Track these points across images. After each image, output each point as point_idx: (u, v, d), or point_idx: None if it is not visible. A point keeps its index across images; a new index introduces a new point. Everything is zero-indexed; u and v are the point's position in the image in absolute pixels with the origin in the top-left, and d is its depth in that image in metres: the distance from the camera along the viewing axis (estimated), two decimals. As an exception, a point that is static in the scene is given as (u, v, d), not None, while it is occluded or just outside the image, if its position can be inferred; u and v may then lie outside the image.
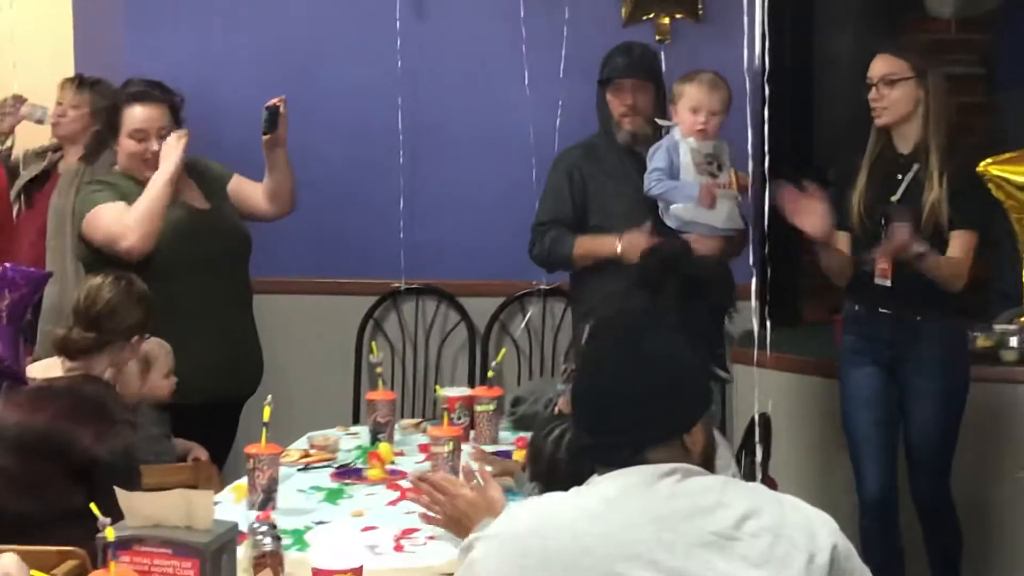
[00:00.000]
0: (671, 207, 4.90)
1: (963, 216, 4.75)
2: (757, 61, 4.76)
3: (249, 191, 5.12)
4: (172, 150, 4.81)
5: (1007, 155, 4.88)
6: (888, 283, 4.73)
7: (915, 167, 4.77)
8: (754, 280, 3.87)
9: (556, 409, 4.52)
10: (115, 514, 2.98)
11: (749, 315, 5.38)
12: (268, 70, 6.02)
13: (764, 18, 4.08)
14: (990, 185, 4.83)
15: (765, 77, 4.08)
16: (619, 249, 4.90)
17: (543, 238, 5.13)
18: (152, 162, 4.84)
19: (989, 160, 4.87)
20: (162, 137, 4.85)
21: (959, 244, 4.75)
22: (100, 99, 5.52)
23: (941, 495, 4.90)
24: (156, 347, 4.34)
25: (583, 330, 4.97)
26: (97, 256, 4.74)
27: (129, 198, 4.78)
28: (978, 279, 6.12)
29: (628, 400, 2.46)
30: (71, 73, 6.29)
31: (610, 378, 2.49)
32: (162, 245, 4.76)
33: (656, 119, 5.06)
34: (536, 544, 2.40)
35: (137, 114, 4.87)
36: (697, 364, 2.57)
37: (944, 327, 4.82)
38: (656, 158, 4.94)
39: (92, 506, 2.98)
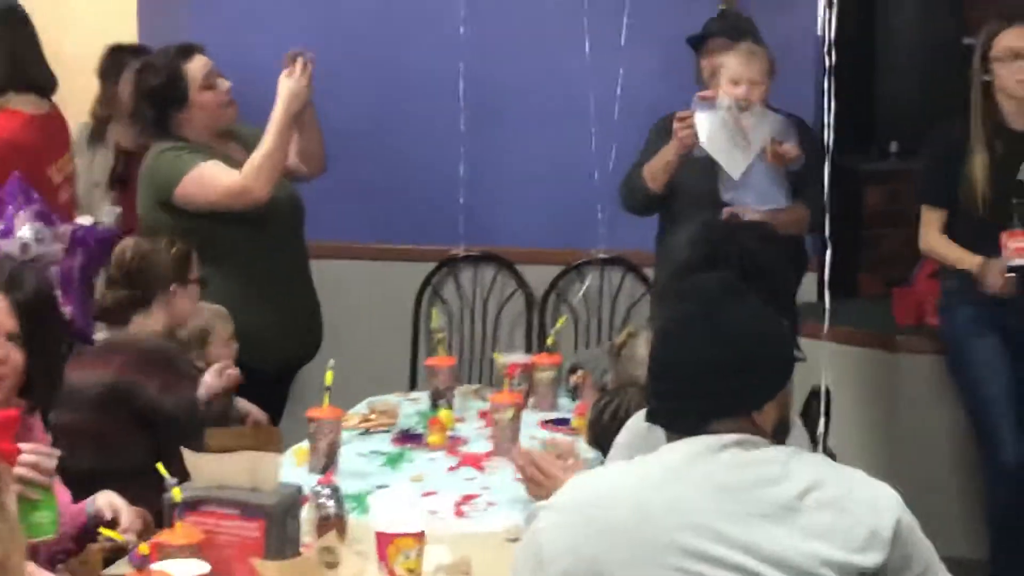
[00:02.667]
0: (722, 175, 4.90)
1: None
2: (821, 31, 4.75)
3: None
4: (292, 86, 4.74)
5: None
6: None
7: None
8: (828, 253, 3.85)
9: (573, 383, 4.57)
10: (180, 469, 3.03)
11: (803, 287, 5.40)
12: (331, 36, 6.03)
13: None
14: None
15: (828, 47, 4.05)
16: (673, 148, 4.91)
17: (625, 182, 5.17)
18: (230, 104, 4.83)
19: None
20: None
21: None
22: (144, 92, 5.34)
23: None
24: (212, 315, 4.36)
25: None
26: (176, 221, 4.68)
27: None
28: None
29: (699, 369, 2.47)
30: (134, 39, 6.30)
31: (685, 346, 2.50)
32: (217, 211, 4.73)
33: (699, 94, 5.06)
34: (598, 513, 2.42)
35: (197, 64, 4.80)
36: (776, 343, 2.55)
37: None
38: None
39: (159, 467, 3.03)
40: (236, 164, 4.77)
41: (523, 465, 3.40)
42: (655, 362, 2.57)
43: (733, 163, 4.90)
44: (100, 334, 4.18)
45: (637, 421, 2.96)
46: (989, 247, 4.79)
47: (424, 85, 6.11)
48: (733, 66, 4.91)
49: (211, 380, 4.03)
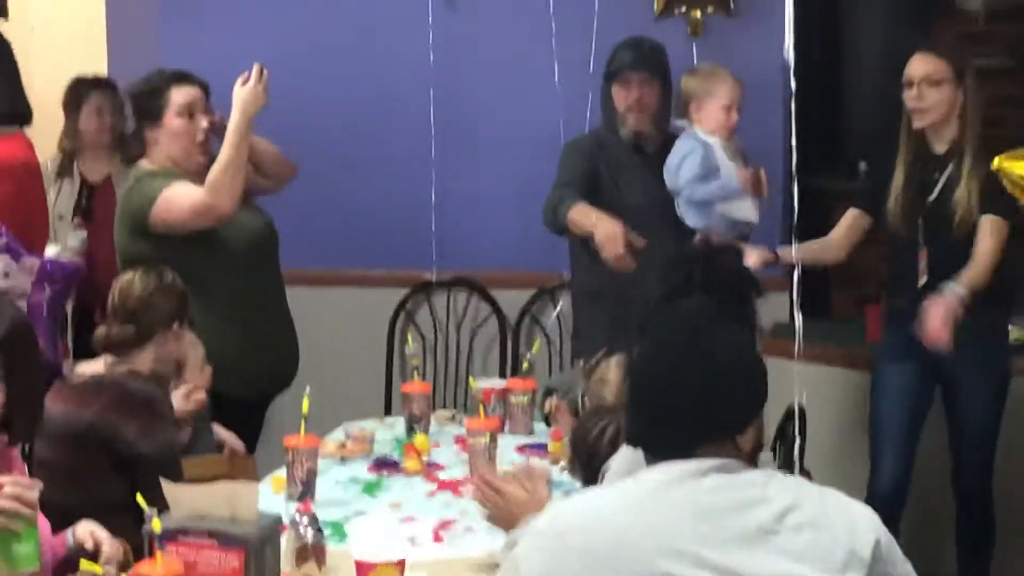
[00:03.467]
0: (717, 208, 4.92)
1: (992, 204, 4.72)
2: (786, 55, 4.77)
3: (248, 171, 5.01)
4: (247, 94, 4.76)
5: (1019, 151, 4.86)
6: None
7: (950, 167, 4.77)
8: (797, 273, 3.90)
9: (549, 409, 4.57)
10: (159, 506, 3.03)
11: (775, 307, 5.42)
12: (301, 66, 6.06)
13: (790, 15, 4.06)
14: (1005, 183, 4.78)
15: (792, 71, 4.08)
16: (596, 234, 4.80)
17: (552, 198, 5.04)
18: (202, 145, 4.85)
19: (1002, 156, 4.84)
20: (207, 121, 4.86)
21: (987, 230, 4.72)
22: (128, 95, 5.42)
23: (985, 488, 4.93)
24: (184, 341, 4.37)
25: (584, 320, 5.03)
26: (155, 249, 4.69)
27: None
28: (1013, 270, 6.15)
29: (687, 395, 2.49)
30: (104, 72, 6.30)
31: (672, 372, 2.51)
32: (194, 238, 4.77)
33: (670, 119, 5.08)
34: (579, 539, 2.42)
35: (183, 91, 4.83)
36: (756, 366, 2.57)
37: (988, 319, 4.81)
38: (687, 165, 4.93)
39: (138, 498, 3.03)
40: None
41: (477, 486, 3.39)
42: (640, 387, 2.58)
43: (750, 211, 4.97)
44: (80, 367, 4.16)
45: (629, 450, 2.96)
46: (908, 263, 4.82)
47: (395, 111, 6.13)
48: (728, 92, 4.96)
49: (178, 404, 4.04)
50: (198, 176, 4.83)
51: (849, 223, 5.03)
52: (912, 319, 4.78)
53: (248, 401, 4.79)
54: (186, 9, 6.18)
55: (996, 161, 4.59)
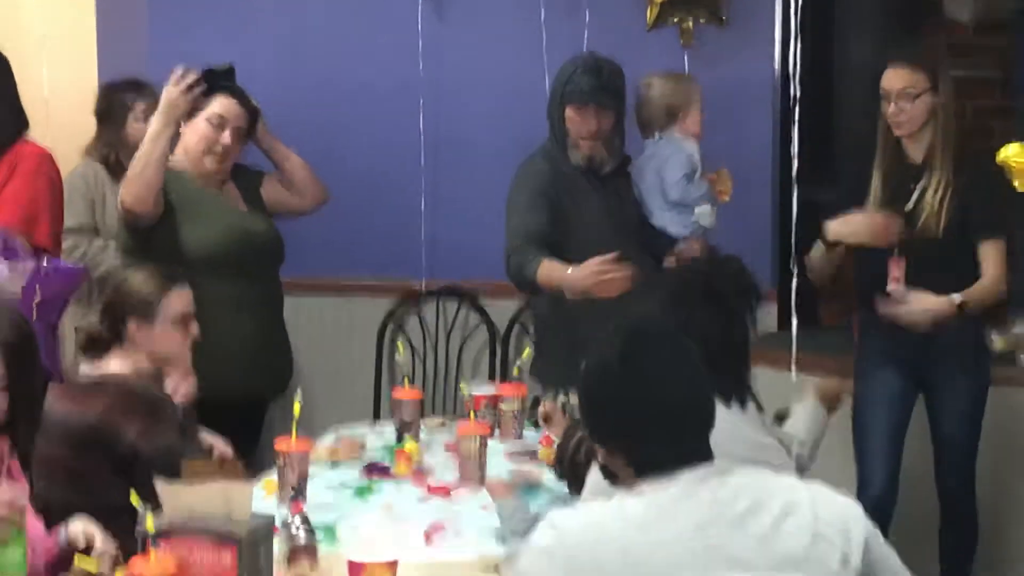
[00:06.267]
0: (697, 211, 4.98)
1: (988, 226, 4.80)
2: (779, 66, 4.79)
3: (279, 187, 5.23)
4: (167, 95, 4.82)
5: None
6: (900, 289, 4.77)
7: (926, 175, 4.79)
8: (793, 282, 3.94)
9: (542, 413, 4.55)
10: (154, 505, 3.03)
11: (763, 318, 5.45)
12: (291, 73, 6.09)
13: (796, 22, 4.08)
14: (1016, 182, 4.77)
15: (796, 79, 4.08)
16: (574, 285, 4.60)
17: (514, 255, 4.86)
18: (219, 156, 4.94)
19: (1008, 148, 4.82)
20: (237, 138, 4.95)
21: (993, 256, 4.80)
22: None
23: (968, 491, 4.95)
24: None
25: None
26: (136, 244, 4.81)
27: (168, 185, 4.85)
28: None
29: (699, 404, 2.59)
30: (94, 78, 6.29)
31: (684, 385, 2.58)
32: (200, 245, 4.85)
33: (623, 141, 5.05)
34: (586, 557, 2.45)
35: (223, 101, 4.94)
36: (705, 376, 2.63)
37: (967, 323, 4.83)
38: (673, 167, 5.00)
39: (132, 496, 3.03)
40: (227, 204, 4.97)
41: None
42: (645, 407, 2.57)
43: (711, 217, 5.06)
44: (84, 367, 4.14)
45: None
46: (882, 270, 4.80)
47: (384, 120, 6.14)
48: (700, 97, 5.08)
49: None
50: (205, 180, 4.97)
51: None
52: (887, 325, 4.83)
53: (236, 405, 4.78)
54: (173, 15, 6.19)
55: (1000, 157, 4.60)
